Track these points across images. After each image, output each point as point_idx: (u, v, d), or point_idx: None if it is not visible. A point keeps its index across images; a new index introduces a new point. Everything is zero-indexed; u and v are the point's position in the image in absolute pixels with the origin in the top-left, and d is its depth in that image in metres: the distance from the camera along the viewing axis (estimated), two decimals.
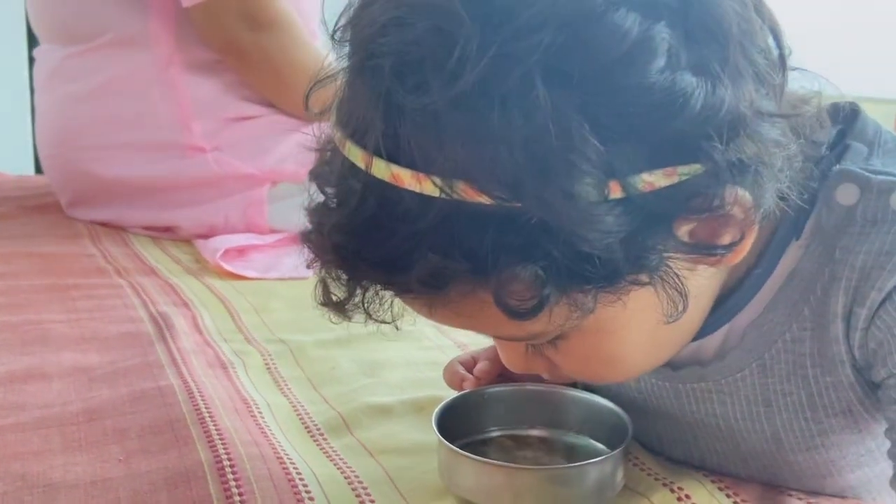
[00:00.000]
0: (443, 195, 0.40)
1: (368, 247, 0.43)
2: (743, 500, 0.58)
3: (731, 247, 0.45)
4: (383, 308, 0.47)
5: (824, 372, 0.52)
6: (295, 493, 0.59)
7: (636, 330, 0.48)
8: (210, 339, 0.88)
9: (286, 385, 0.79)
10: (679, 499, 0.59)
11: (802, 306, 0.52)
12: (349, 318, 0.47)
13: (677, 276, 0.45)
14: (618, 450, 0.54)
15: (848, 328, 0.50)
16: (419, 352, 0.86)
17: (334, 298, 0.47)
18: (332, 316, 0.48)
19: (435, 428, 0.58)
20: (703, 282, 0.48)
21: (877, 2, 2.09)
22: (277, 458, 0.63)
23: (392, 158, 0.41)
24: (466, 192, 0.40)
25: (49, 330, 0.88)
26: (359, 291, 0.46)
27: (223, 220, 1.22)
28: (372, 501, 0.59)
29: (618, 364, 0.51)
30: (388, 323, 0.48)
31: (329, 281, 0.46)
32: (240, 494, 0.58)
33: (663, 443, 0.63)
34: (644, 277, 0.43)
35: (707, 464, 0.62)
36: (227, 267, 1.10)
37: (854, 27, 2.07)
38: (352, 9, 0.46)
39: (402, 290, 0.45)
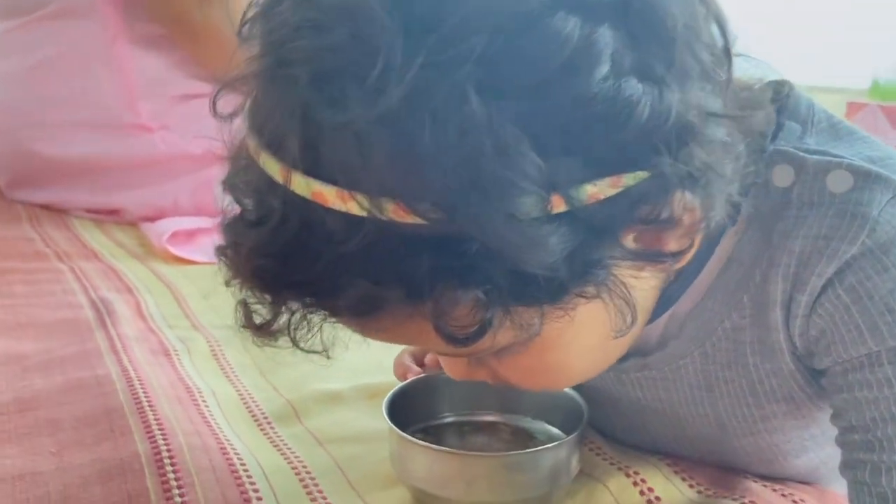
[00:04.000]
0: (370, 215, 0.37)
1: (291, 270, 0.39)
2: (699, 484, 0.58)
3: (679, 255, 0.43)
4: (312, 331, 0.43)
5: (764, 360, 0.51)
6: (238, 486, 0.56)
7: (583, 341, 0.46)
8: (154, 325, 0.85)
9: (233, 372, 0.76)
10: (635, 483, 0.57)
11: (741, 294, 0.50)
12: (274, 342, 0.43)
13: (624, 285, 0.43)
14: (572, 435, 0.53)
15: (788, 315, 0.48)
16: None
17: (257, 321, 0.42)
18: (255, 339, 0.43)
19: (385, 415, 0.56)
20: (648, 286, 0.46)
21: None
22: (221, 448, 0.60)
23: (312, 173, 0.37)
24: (396, 213, 0.36)
25: None
26: (284, 313, 0.42)
27: (171, 202, 1.18)
28: (320, 492, 0.57)
29: (564, 374, 0.49)
30: (318, 353, 0.44)
31: (250, 302, 0.42)
32: (179, 487, 0.55)
33: (616, 429, 0.62)
34: (591, 290, 0.41)
35: (660, 448, 0.60)
36: (175, 251, 1.06)
37: (803, 16, 2.08)
38: (260, 2, 0.41)
39: (331, 314, 0.42)
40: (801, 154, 0.49)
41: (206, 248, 1.09)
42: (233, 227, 0.42)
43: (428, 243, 0.37)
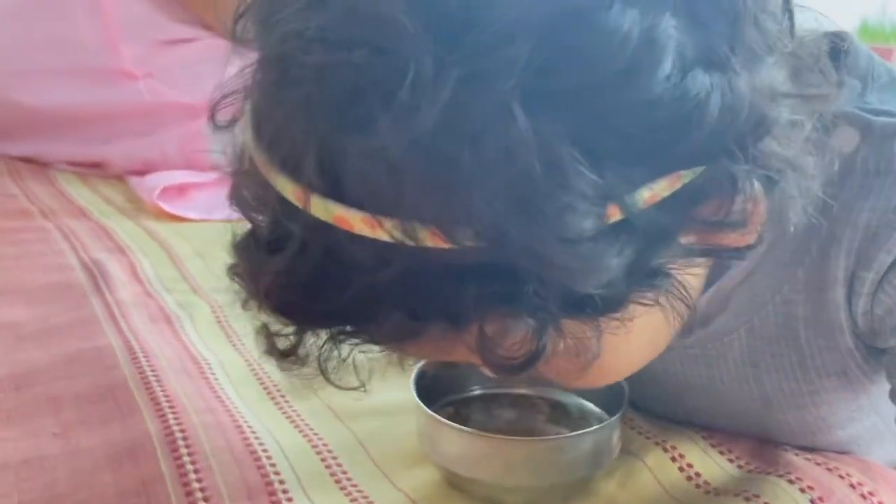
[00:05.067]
0: (403, 243, 0.32)
1: (317, 301, 0.35)
2: (737, 458, 0.55)
3: (746, 250, 0.39)
4: (342, 361, 0.39)
5: (818, 335, 0.48)
6: (258, 467, 0.53)
7: (635, 342, 0.42)
8: (151, 289, 0.80)
9: (240, 340, 0.72)
10: (673, 459, 0.55)
11: (795, 267, 0.47)
12: (302, 366, 0.39)
13: (683, 286, 0.38)
14: (616, 415, 0.50)
15: (850, 293, 0.46)
16: None
17: (281, 346, 0.39)
18: (280, 367, 0.40)
19: (413, 391, 0.52)
20: (699, 272, 0.42)
21: None
22: (236, 426, 0.57)
23: (334, 196, 0.32)
24: (433, 241, 0.32)
25: None
26: (310, 338, 0.38)
27: (159, 154, 1.13)
28: (344, 473, 0.54)
29: (611, 373, 0.46)
30: (355, 388, 0.42)
31: (272, 327, 0.38)
32: (196, 471, 0.51)
33: (649, 401, 0.59)
34: (650, 297, 0.36)
35: (695, 421, 0.58)
36: (167, 207, 1.01)
37: None
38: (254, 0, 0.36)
39: (364, 342, 0.38)
40: (866, 116, 0.45)
41: (199, 204, 1.04)
42: (247, 249, 0.37)
43: (471, 270, 0.33)
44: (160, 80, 1.14)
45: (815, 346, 0.49)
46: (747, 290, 0.48)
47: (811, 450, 0.56)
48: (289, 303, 0.36)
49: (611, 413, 0.53)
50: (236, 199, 0.38)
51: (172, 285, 0.82)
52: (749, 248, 0.38)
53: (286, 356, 0.39)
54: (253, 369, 0.67)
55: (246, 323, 0.73)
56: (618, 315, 0.36)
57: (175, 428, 0.55)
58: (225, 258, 0.90)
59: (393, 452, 0.56)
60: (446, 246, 0.32)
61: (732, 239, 0.38)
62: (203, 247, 0.92)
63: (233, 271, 0.39)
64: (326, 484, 0.53)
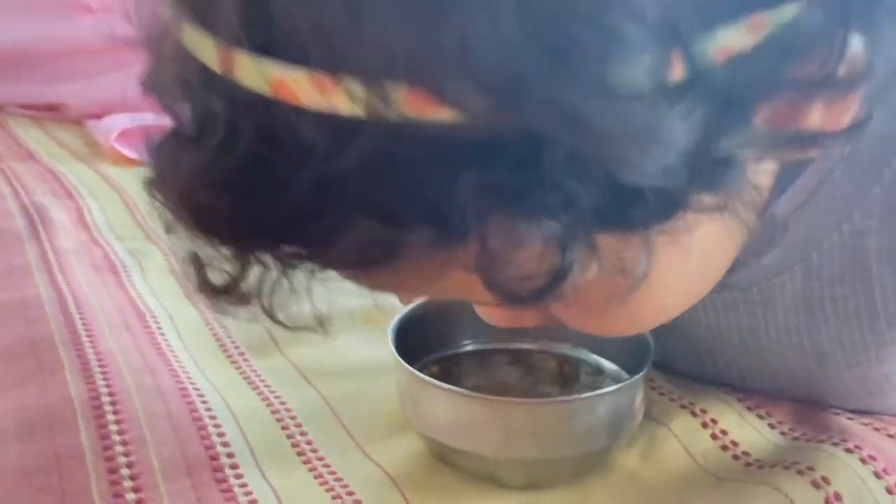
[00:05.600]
0: (369, 113, 0.23)
1: (253, 209, 0.26)
2: (779, 423, 0.46)
3: (849, 134, 0.28)
4: (297, 294, 0.30)
5: (894, 274, 0.39)
6: (203, 437, 0.43)
7: (687, 269, 0.32)
8: (99, 236, 0.71)
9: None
10: (704, 424, 0.46)
11: (870, 184, 0.37)
12: (245, 307, 0.30)
13: (756, 188, 0.29)
14: (639, 374, 0.40)
15: None
16: None
17: (216, 282, 0.29)
18: (214, 307, 0.31)
19: (392, 345, 0.43)
20: (772, 173, 0.33)
21: None
22: (180, 388, 0.47)
23: (267, 50, 0.23)
24: (413, 105, 0.22)
25: None
26: (252, 266, 0.29)
27: (119, 96, 1.01)
28: (309, 443, 0.44)
29: (645, 315, 0.35)
30: (309, 329, 0.33)
31: (202, 253, 0.29)
32: (123, 443, 0.42)
33: (674, 357, 0.49)
34: (713, 200, 0.26)
35: (725, 380, 0.49)
36: (125, 151, 0.91)
37: None
38: None
39: (320, 265, 0.28)
40: None
41: None
42: (163, 150, 0.28)
43: (468, 153, 0.23)
44: (121, 14, 1.03)
45: (889, 288, 0.40)
46: (806, 217, 0.39)
47: (866, 413, 0.47)
48: (215, 213, 0.26)
49: (630, 372, 0.44)
50: (150, 84, 0.29)
51: (123, 232, 0.72)
52: (847, 133, 0.28)
53: (224, 293, 0.30)
54: (209, 324, 0.57)
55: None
56: (670, 224, 0.25)
57: (103, 391, 0.46)
58: None
59: (369, 419, 0.46)
60: (431, 112, 0.22)
61: (824, 119, 0.27)
62: None
63: (148, 187, 0.29)
64: (286, 456, 0.43)
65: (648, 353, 0.42)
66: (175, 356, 0.51)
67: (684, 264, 0.30)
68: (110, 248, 0.68)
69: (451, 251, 0.25)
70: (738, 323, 0.44)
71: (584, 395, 0.38)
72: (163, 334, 0.54)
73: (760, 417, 0.47)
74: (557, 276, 0.24)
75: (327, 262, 0.28)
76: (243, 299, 0.30)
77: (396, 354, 0.42)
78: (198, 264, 0.30)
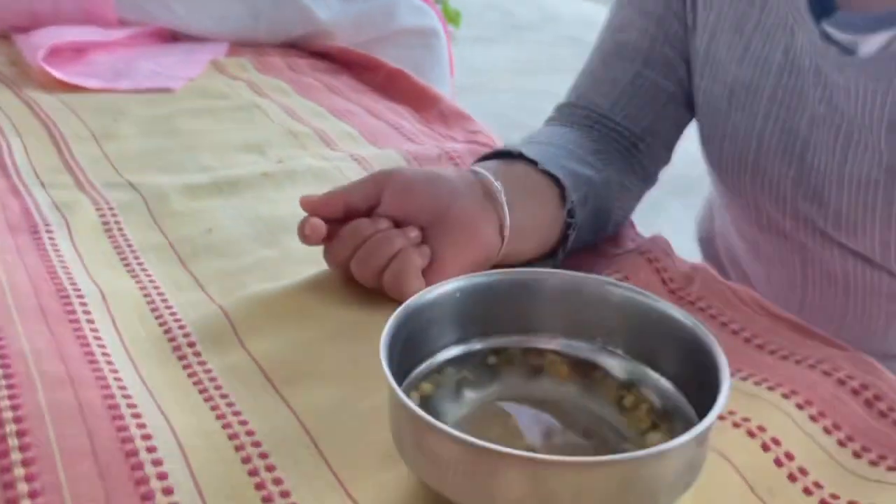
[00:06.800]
0: None
1: None
2: (849, 439, 0.38)
3: None
4: None
5: None
6: (136, 479, 0.33)
7: None
8: (19, 182, 0.59)
9: (136, 259, 0.51)
10: (765, 447, 0.37)
11: None
12: None
13: None
14: (711, 415, 0.30)
15: None
16: None
17: None
18: None
19: (385, 363, 0.32)
20: None
21: None
22: (109, 405, 0.37)
23: None
24: None
25: None
26: None
27: (50, 6, 0.87)
28: (277, 481, 0.35)
29: None
30: None
31: None
32: (30, 495, 0.31)
33: (721, 155, 0.52)
34: None
35: (768, 186, 0.50)
36: (57, 73, 0.77)
37: None
38: None
39: None
40: None
41: (100, 69, 0.81)
42: None
43: None
44: None
45: None
46: None
47: None
48: None
49: (655, 369, 0.35)
50: None
51: (50, 178, 0.60)
52: None
53: None
54: (152, 303, 0.46)
55: (148, 231, 0.53)
56: None
57: (7, 415, 0.35)
58: (128, 139, 0.67)
59: (353, 445, 0.37)
60: None
61: None
62: (100, 126, 0.69)
63: None
64: (239, 488, 0.34)
65: (716, 365, 0.32)
66: (106, 357, 0.41)
67: None
68: (31, 200, 0.56)
69: None
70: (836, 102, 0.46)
71: (653, 449, 0.28)
72: (91, 322, 0.43)
73: (828, 432, 0.39)
74: None
75: None
76: None
77: (391, 380, 0.32)
78: None
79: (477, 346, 0.39)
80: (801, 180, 0.52)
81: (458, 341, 0.39)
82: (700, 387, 0.34)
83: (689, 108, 0.58)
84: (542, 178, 0.48)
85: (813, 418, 0.39)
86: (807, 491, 0.36)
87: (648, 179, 0.59)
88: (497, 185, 0.46)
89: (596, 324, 0.39)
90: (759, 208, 0.56)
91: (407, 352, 0.36)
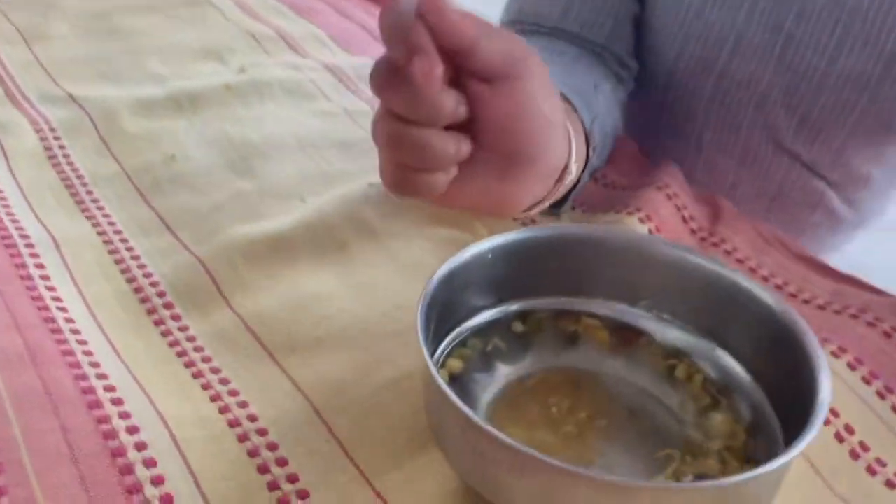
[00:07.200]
0: None
1: None
2: None
3: None
4: None
5: None
6: (126, 486, 0.28)
7: None
8: None
9: (89, 193, 0.43)
10: (854, 454, 0.34)
11: None
12: None
13: None
14: (809, 431, 0.26)
15: None
16: (318, 120, 0.52)
17: None
18: None
19: (425, 352, 0.27)
20: None
21: None
22: (82, 389, 0.31)
23: None
24: None
25: None
26: None
27: None
28: (292, 478, 0.30)
29: None
30: None
31: None
32: None
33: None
34: None
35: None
36: None
37: None
38: None
39: None
40: None
41: None
42: None
43: None
44: None
45: None
46: None
47: None
48: None
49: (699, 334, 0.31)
50: None
51: None
52: None
53: None
54: (114, 252, 0.39)
55: (104, 158, 0.45)
56: None
57: None
58: (66, 40, 0.57)
59: (376, 430, 0.32)
60: None
61: None
62: (30, 23, 0.59)
63: None
64: (250, 490, 0.29)
65: (811, 361, 0.29)
66: (70, 324, 0.34)
67: None
68: None
69: None
70: None
71: (746, 475, 0.24)
72: (46, 280, 0.37)
73: None
74: None
75: None
76: None
77: (434, 371, 0.27)
78: None
79: (512, 307, 0.34)
80: (774, 82, 0.48)
81: (492, 304, 0.34)
82: (774, 363, 0.30)
83: (641, 5, 0.51)
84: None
85: (865, 380, 0.36)
86: (870, 470, 0.33)
87: (626, 90, 0.52)
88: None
89: (641, 286, 0.34)
90: (708, 115, 0.51)
91: (439, 321, 0.31)
